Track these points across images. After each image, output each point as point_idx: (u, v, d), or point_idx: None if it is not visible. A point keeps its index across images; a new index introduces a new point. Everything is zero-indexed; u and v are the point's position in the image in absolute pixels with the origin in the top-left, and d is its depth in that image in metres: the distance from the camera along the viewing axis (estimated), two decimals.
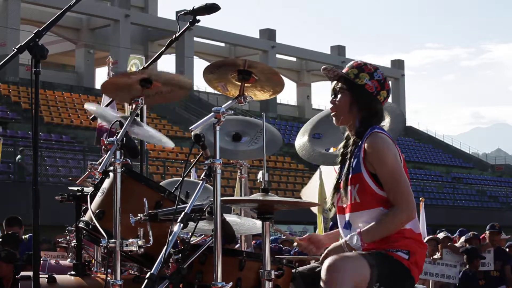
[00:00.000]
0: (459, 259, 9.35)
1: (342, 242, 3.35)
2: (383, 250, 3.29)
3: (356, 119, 3.46)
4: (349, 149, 3.46)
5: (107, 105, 4.55)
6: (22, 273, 3.97)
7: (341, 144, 3.57)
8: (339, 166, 3.56)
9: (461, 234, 11.08)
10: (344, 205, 3.45)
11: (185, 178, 3.55)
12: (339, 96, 3.49)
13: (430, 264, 8.88)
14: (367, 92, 3.44)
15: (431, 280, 9.01)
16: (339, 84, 3.50)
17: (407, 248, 3.32)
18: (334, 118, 3.54)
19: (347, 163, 3.44)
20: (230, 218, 3.57)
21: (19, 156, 20.46)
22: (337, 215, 3.52)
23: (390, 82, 3.51)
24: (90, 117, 4.72)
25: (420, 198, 10.27)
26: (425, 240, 9.99)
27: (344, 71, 3.50)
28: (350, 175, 3.39)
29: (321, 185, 7.60)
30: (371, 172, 3.34)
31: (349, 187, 3.40)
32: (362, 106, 3.44)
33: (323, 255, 3.37)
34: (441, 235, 10.25)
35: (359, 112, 3.45)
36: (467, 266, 9.21)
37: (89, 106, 4.07)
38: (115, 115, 3.79)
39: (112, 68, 6.45)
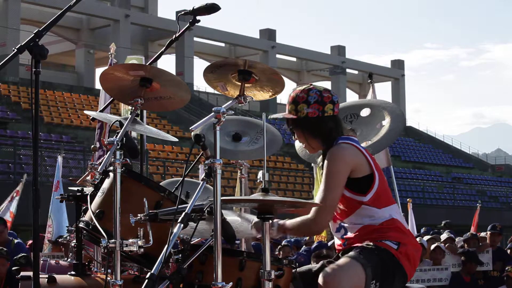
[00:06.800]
0: (457, 260, 9.33)
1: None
2: (372, 241, 3.34)
3: (320, 144, 3.52)
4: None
5: (103, 109, 4.55)
6: (22, 273, 3.97)
7: (319, 161, 3.63)
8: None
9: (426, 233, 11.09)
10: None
11: (193, 179, 3.55)
12: (295, 134, 3.57)
13: (421, 272, 8.90)
14: (312, 119, 3.47)
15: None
16: (288, 124, 3.56)
17: (397, 240, 3.37)
18: (307, 151, 3.66)
19: None
20: (230, 218, 3.57)
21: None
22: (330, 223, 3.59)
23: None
24: (90, 117, 4.72)
25: (408, 199, 10.27)
26: (420, 239, 10.00)
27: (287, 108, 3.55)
28: None
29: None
30: None
31: None
32: (315, 133, 3.50)
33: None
34: (443, 236, 10.24)
35: (317, 138, 3.51)
36: (462, 268, 9.19)
37: (89, 112, 4.08)
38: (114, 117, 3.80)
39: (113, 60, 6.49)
